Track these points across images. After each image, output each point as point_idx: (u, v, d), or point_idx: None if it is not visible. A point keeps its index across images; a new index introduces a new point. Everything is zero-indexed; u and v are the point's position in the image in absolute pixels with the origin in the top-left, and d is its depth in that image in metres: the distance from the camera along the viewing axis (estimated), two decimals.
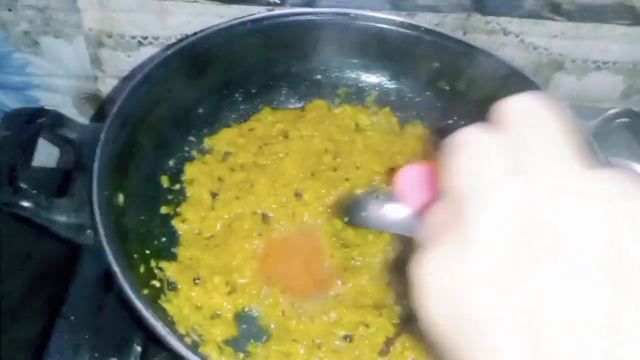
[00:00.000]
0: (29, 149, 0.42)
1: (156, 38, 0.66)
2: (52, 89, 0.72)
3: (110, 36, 0.66)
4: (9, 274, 0.66)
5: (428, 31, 0.57)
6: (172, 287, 0.47)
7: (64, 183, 0.43)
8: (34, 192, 0.40)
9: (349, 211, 0.52)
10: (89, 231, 0.42)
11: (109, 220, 0.41)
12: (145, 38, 0.66)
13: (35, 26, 0.66)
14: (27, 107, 0.45)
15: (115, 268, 0.38)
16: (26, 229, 0.69)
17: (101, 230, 0.39)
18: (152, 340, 0.47)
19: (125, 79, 0.70)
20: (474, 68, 0.56)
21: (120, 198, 0.45)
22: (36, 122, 0.44)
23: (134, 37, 0.66)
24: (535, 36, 0.68)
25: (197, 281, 0.48)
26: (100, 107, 0.73)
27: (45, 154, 0.73)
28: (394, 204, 0.52)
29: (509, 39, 0.69)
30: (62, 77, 0.71)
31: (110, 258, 0.38)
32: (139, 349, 0.48)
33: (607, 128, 0.54)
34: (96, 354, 0.48)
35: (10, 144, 0.42)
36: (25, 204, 0.40)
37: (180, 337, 0.37)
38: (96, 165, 0.42)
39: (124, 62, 0.69)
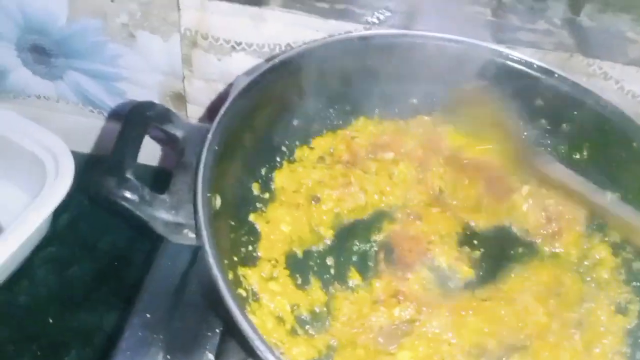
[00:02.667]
0: (138, 139, 0.42)
1: (249, 45, 0.66)
2: (139, 84, 0.73)
3: (205, 38, 0.67)
4: (74, 260, 0.67)
5: (535, 67, 0.55)
6: (255, 297, 0.46)
7: (162, 180, 0.42)
8: (140, 184, 0.40)
9: None
10: (185, 231, 0.41)
11: (209, 223, 0.40)
12: (239, 44, 0.67)
13: (135, 20, 0.67)
14: (137, 101, 0.45)
15: (217, 273, 0.37)
16: (92, 218, 0.70)
17: (204, 233, 0.38)
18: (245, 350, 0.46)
19: (213, 82, 0.71)
20: (582, 111, 0.54)
21: (218, 201, 0.44)
22: (146, 114, 0.43)
23: (228, 42, 0.67)
24: (636, 84, 0.66)
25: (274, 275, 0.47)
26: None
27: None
28: None
29: (608, 84, 0.66)
30: (151, 73, 0.71)
31: (212, 262, 0.37)
32: (210, 356, 0.47)
33: None
34: (168, 356, 0.47)
35: (120, 134, 0.42)
36: (130, 195, 0.39)
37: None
38: (202, 165, 0.41)
39: (213, 65, 0.69)
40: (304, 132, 0.56)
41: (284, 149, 0.55)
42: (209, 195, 0.41)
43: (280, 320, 0.45)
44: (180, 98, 0.74)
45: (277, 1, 0.63)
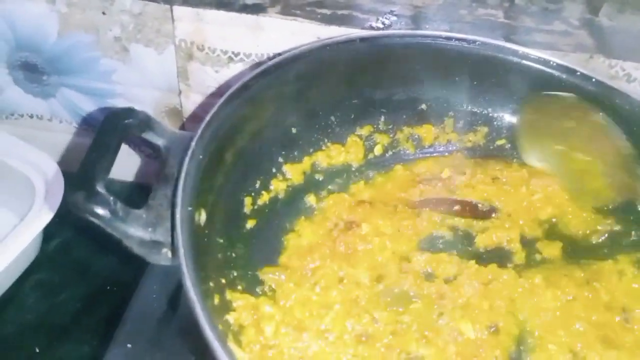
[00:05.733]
0: (113, 150, 0.38)
1: (248, 55, 0.63)
2: (134, 99, 0.69)
3: (201, 49, 0.63)
4: (65, 285, 0.63)
5: (555, 66, 0.50)
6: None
7: (142, 193, 0.38)
8: (112, 198, 0.35)
9: None
10: (164, 250, 0.37)
11: (190, 240, 0.35)
12: (237, 54, 0.63)
13: (127, 32, 0.64)
14: (115, 107, 0.41)
15: (194, 297, 0.32)
16: (86, 240, 0.67)
17: (182, 252, 0.33)
18: None
19: (211, 95, 0.67)
20: (608, 111, 0.49)
21: (203, 216, 0.39)
22: (124, 122, 0.39)
23: (225, 52, 0.63)
24: None
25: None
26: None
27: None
28: None
29: (633, 87, 0.61)
30: (146, 88, 0.68)
31: (189, 285, 0.32)
32: None
33: None
34: None
35: (92, 144, 0.38)
36: (101, 211, 0.35)
37: None
38: (183, 175, 0.37)
39: (210, 78, 0.65)
40: (303, 142, 0.52)
41: (280, 159, 0.50)
42: (190, 209, 0.37)
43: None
44: (177, 113, 0.70)
45: (275, 8, 0.59)
